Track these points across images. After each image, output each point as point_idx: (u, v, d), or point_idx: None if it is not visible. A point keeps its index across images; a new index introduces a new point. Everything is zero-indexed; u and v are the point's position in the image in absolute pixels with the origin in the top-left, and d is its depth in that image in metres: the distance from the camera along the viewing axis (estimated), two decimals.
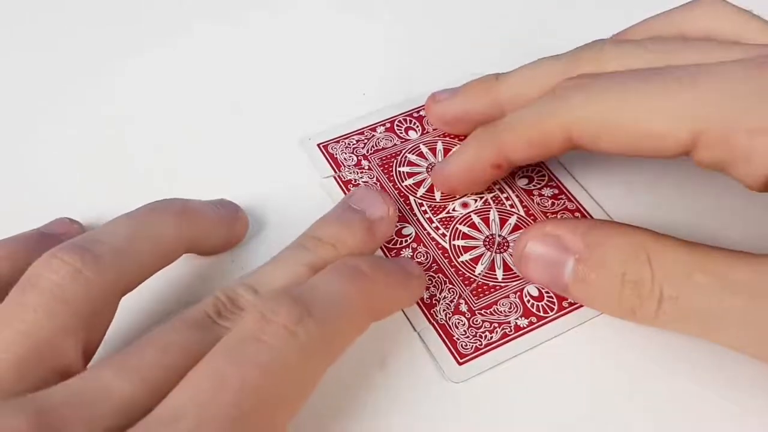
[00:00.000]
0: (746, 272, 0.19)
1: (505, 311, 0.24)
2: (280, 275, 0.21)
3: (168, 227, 0.22)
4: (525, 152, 0.24)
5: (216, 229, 0.24)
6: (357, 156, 0.29)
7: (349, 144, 0.29)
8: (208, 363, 0.17)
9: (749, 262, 0.19)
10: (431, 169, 0.28)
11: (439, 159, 0.28)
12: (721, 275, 0.19)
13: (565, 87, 0.23)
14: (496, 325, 0.23)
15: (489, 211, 0.26)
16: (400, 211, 0.26)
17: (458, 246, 0.25)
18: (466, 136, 0.27)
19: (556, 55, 0.25)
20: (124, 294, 0.21)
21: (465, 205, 0.27)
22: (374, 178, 0.28)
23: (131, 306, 0.22)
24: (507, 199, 0.27)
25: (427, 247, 0.25)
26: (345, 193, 0.27)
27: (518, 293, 0.24)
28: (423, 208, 0.27)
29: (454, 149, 0.28)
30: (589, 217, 0.26)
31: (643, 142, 0.21)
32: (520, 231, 0.26)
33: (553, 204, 0.27)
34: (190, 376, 0.17)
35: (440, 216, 0.26)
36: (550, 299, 0.24)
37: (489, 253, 0.25)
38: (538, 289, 0.24)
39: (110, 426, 0.17)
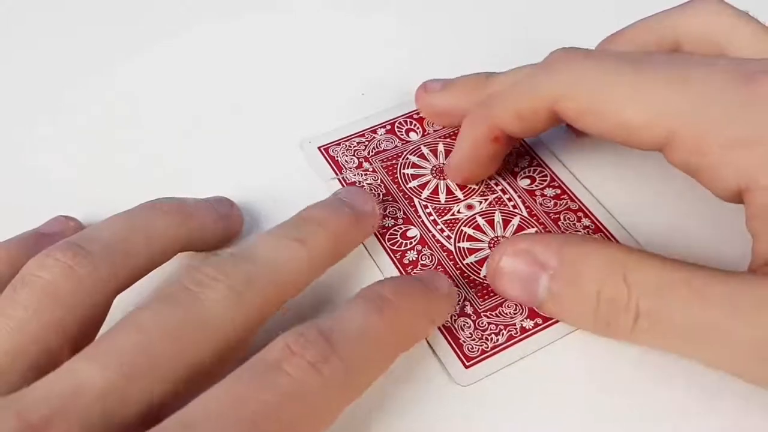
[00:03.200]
0: (725, 288, 0.19)
1: (510, 313, 0.24)
2: (266, 246, 0.21)
3: (163, 225, 0.22)
4: (515, 124, 0.24)
5: (211, 226, 0.24)
6: (358, 158, 0.28)
7: (349, 146, 0.29)
8: (229, 381, 0.17)
9: (728, 279, 0.19)
10: (436, 171, 0.28)
11: (441, 160, 0.28)
12: (698, 291, 0.19)
13: (557, 59, 0.23)
14: (502, 327, 0.23)
15: (494, 213, 0.26)
16: (405, 213, 0.26)
17: (463, 248, 0.25)
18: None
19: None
20: (118, 292, 0.21)
21: (470, 207, 0.27)
22: (378, 180, 0.28)
23: (126, 304, 0.22)
24: (510, 200, 0.27)
25: (431, 249, 0.25)
26: None
27: None
28: (428, 210, 0.27)
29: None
30: (592, 216, 0.26)
31: (620, 129, 0.21)
32: (524, 232, 0.26)
33: (555, 204, 0.27)
34: (206, 393, 0.17)
35: (445, 218, 0.26)
36: None
37: None
38: None
39: (93, 418, 0.16)
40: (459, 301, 0.24)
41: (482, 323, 0.23)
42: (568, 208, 0.27)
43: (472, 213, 0.26)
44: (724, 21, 0.24)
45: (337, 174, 0.28)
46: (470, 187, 0.27)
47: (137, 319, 0.18)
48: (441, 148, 0.29)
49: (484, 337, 0.23)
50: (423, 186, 0.27)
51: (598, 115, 0.22)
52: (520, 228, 0.26)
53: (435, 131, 0.29)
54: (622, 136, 0.22)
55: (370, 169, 0.28)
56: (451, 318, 0.23)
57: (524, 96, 0.23)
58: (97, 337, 0.19)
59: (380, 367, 0.20)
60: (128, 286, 0.21)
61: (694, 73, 0.20)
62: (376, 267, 0.25)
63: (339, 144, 0.29)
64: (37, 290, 0.19)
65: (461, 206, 0.27)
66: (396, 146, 0.29)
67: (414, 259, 0.25)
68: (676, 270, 0.20)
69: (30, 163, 0.29)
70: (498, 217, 0.26)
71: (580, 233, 0.26)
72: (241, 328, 0.19)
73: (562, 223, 0.26)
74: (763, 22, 0.24)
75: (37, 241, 0.23)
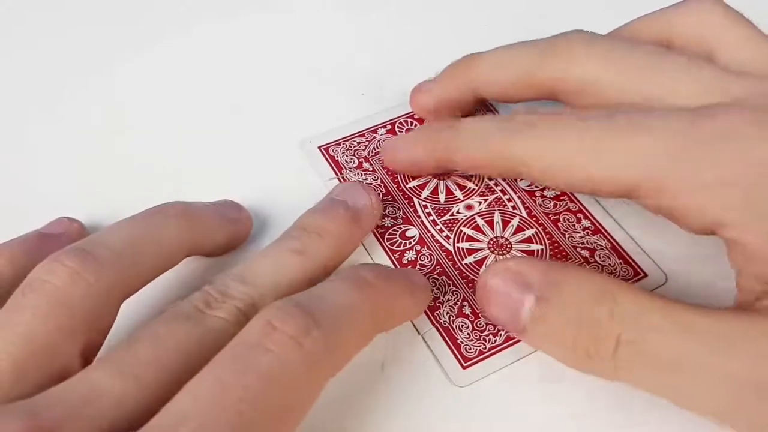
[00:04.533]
0: (708, 321, 0.19)
1: None
2: (267, 264, 0.22)
3: (170, 230, 0.22)
4: (472, 169, 0.25)
5: (219, 231, 0.24)
6: (358, 158, 0.28)
7: (350, 146, 0.29)
8: (212, 369, 0.17)
9: (711, 313, 0.19)
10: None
11: None
12: (683, 323, 0.19)
13: (520, 122, 0.23)
14: (500, 328, 0.23)
15: (493, 213, 0.26)
16: (404, 213, 0.26)
17: (462, 248, 0.25)
18: None
19: (534, 40, 0.25)
20: (125, 297, 0.21)
21: (469, 207, 0.27)
22: (378, 180, 0.28)
23: (134, 309, 0.22)
24: (509, 200, 0.27)
25: (430, 250, 0.25)
26: None
27: None
28: (427, 210, 0.27)
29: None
30: (591, 218, 0.26)
31: (583, 185, 0.22)
32: (523, 232, 0.26)
33: (555, 205, 0.27)
34: (192, 382, 0.17)
35: (444, 218, 0.26)
36: None
37: (493, 256, 0.25)
38: None
39: (105, 426, 0.17)
40: (457, 301, 0.24)
41: (480, 324, 0.23)
42: (568, 209, 0.27)
43: (472, 213, 0.26)
44: (717, 21, 0.24)
45: (337, 174, 0.28)
46: (470, 188, 0.27)
47: (152, 332, 0.19)
48: None
49: (481, 338, 0.23)
50: (423, 186, 0.27)
51: (563, 174, 0.22)
52: (519, 229, 0.26)
53: None
54: (589, 190, 0.22)
55: (370, 169, 0.28)
56: (449, 318, 0.23)
57: (484, 152, 0.24)
58: (112, 346, 0.19)
59: (358, 343, 0.20)
60: (136, 291, 0.21)
61: (650, 120, 0.21)
62: None
63: (339, 144, 0.29)
64: (45, 296, 0.19)
65: (461, 206, 0.27)
66: None
67: (413, 259, 0.25)
68: (661, 301, 0.19)
69: (30, 164, 0.29)
70: (497, 218, 0.26)
71: (579, 234, 0.26)
72: None
73: (562, 224, 0.26)
74: (758, 25, 0.24)
75: (40, 241, 0.23)
